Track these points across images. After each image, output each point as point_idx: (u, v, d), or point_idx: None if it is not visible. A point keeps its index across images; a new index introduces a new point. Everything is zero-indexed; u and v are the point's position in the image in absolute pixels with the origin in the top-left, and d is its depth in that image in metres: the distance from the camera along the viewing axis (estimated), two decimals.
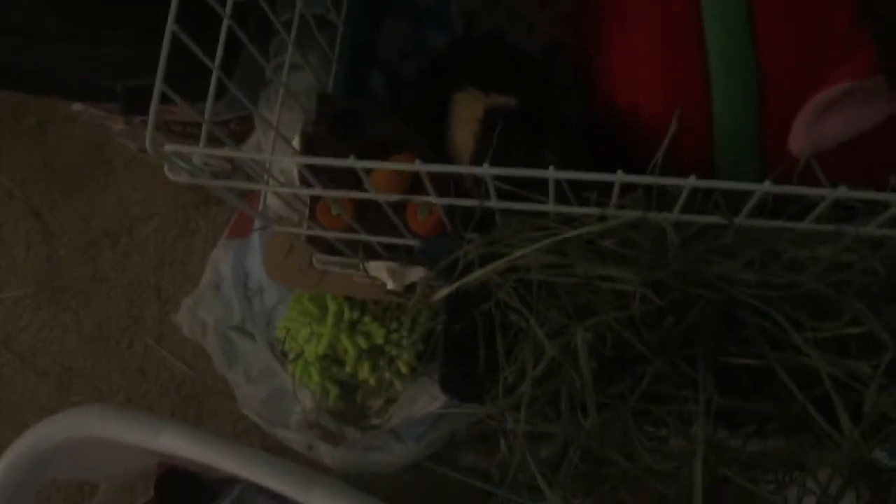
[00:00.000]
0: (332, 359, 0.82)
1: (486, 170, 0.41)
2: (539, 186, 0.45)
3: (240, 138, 0.84)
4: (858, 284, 0.44)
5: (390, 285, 0.66)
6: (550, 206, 0.45)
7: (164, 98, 0.55)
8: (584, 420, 0.45)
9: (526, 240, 0.48)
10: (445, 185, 0.56)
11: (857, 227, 0.42)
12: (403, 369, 0.80)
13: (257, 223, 0.91)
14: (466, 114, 0.61)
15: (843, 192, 0.38)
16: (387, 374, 0.80)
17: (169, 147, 0.43)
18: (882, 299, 0.44)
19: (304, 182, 0.64)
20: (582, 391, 0.45)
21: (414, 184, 0.62)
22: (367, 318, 0.79)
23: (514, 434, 0.45)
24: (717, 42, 0.56)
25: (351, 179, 0.55)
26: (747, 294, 0.45)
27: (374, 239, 0.59)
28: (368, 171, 0.61)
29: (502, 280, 0.49)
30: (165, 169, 0.46)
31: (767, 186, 0.38)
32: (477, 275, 0.48)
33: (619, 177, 0.40)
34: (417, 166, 0.43)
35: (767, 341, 0.45)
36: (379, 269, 0.65)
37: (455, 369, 0.50)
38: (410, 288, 0.65)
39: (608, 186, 0.44)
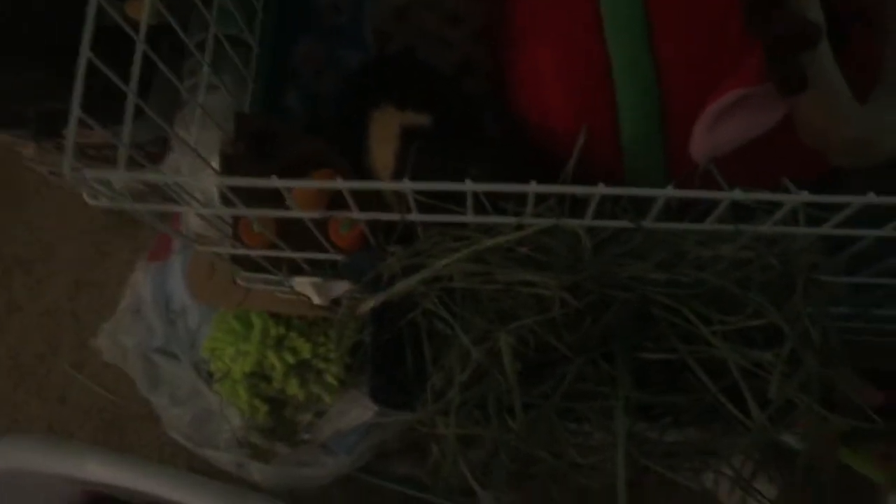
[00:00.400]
0: (259, 376, 0.82)
1: (406, 185, 0.43)
2: (459, 199, 0.47)
3: (156, 159, 0.83)
4: (759, 280, 0.47)
5: (315, 300, 0.66)
6: (469, 218, 0.47)
7: (79, 122, 0.55)
8: (512, 421, 0.46)
9: (447, 250, 0.49)
10: (367, 200, 0.57)
11: (754, 226, 0.45)
12: (332, 382, 0.80)
13: (179, 245, 0.91)
14: (384, 132, 0.62)
15: (739, 194, 0.41)
16: (315, 389, 0.80)
17: (89, 173, 0.42)
18: (781, 292, 0.47)
19: (226, 202, 0.64)
20: (508, 393, 0.47)
21: (335, 199, 0.63)
22: (293, 334, 0.80)
23: (445, 438, 0.46)
24: (619, 54, 0.58)
25: (272, 197, 0.56)
26: (658, 293, 0.47)
27: (297, 255, 0.60)
28: (290, 189, 0.62)
29: (426, 290, 0.50)
30: (85, 195, 0.46)
31: (670, 191, 0.41)
32: (402, 286, 0.50)
33: (533, 187, 0.42)
34: (339, 184, 0.44)
35: (679, 337, 0.48)
36: (304, 284, 0.66)
37: (384, 379, 0.51)
38: (336, 302, 0.66)
39: (525, 196, 0.46)
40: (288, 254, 0.60)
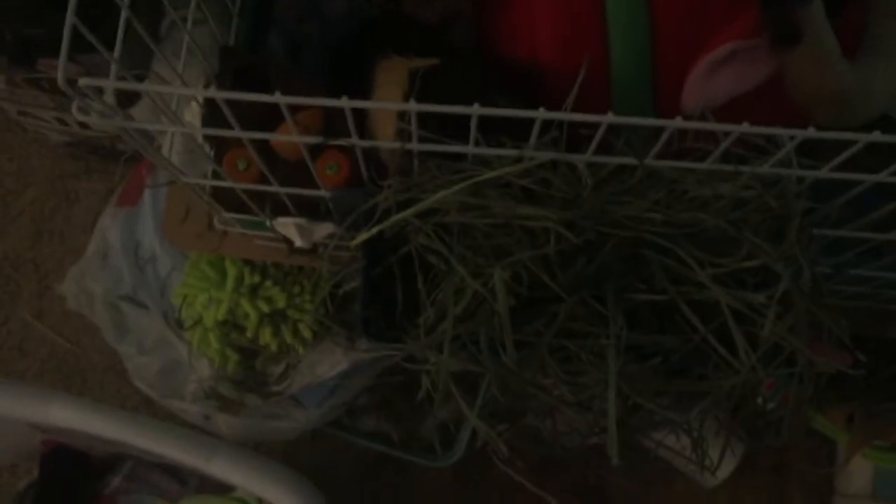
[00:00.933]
0: (231, 325, 0.80)
1: (412, 106, 0.42)
2: (460, 135, 0.46)
3: (127, 103, 0.81)
4: (754, 222, 0.47)
5: (298, 242, 0.65)
6: (470, 148, 0.46)
7: (50, 52, 0.53)
8: (504, 356, 0.46)
9: (444, 183, 0.48)
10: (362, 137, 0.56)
11: (755, 166, 0.46)
12: (306, 333, 0.79)
13: (150, 190, 0.88)
14: (391, 77, 0.61)
15: (748, 127, 0.41)
16: (289, 339, 0.79)
17: (83, 80, 0.41)
18: (772, 238, 0.47)
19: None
20: (500, 329, 0.46)
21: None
22: (268, 283, 0.78)
23: (437, 373, 0.46)
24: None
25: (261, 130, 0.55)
26: (653, 233, 0.47)
27: (285, 191, 0.59)
28: (277, 124, 0.61)
29: (421, 223, 0.49)
30: (74, 109, 0.44)
31: (678, 122, 0.41)
32: (397, 217, 0.49)
33: (541, 113, 0.41)
34: (342, 102, 0.43)
35: (670, 279, 0.48)
36: (287, 225, 0.64)
37: (375, 311, 0.51)
38: (316, 247, 0.65)
39: (524, 132, 0.46)
40: (275, 188, 0.59)
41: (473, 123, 0.44)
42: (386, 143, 0.48)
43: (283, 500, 0.71)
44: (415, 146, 0.46)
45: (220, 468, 0.73)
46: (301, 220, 0.63)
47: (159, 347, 0.86)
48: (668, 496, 0.94)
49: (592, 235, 0.47)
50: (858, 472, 0.88)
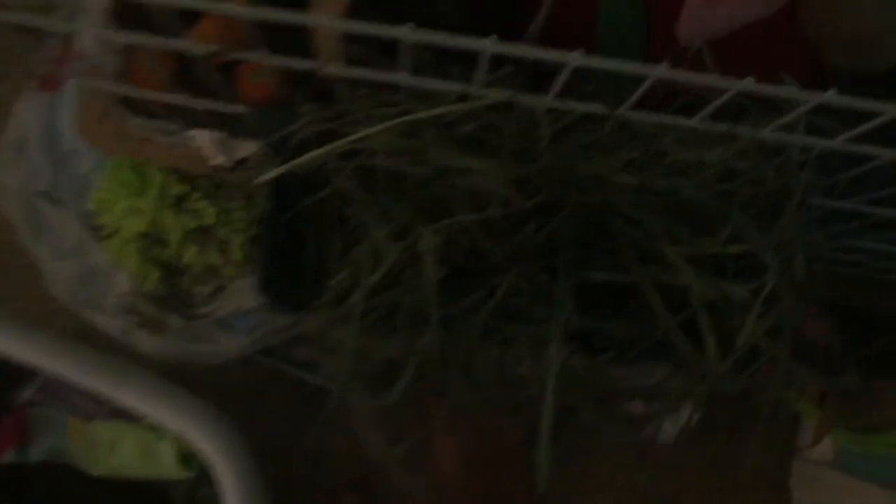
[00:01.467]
0: (154, 238, 0.72)
1: (328, 22, 0.32)
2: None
3: None
4: (744, 198, 0.38)
5: (216, 160, 0.56)
6: (403, 78, 0.37)
7: None
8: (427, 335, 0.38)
9: (373, 118, 0.39)
10: (288, 47, 0.46)
11: (753, 130, 0.36)
12: (236, 254, 0.71)
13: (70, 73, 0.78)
14: None
15: (750, 84, 0.32)
16: (216, 259, 0.71)
17: None
18: (767, 216, 0.39)
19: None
20: (425, 304, 0.38)
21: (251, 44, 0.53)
22: (196, 195, 0.69)
23: (342, 351, 0.38)
24: None
25: (174, 31, 0.46)
26: (621, 199, 0.38)
27: (193, 104, 0.50)
28: (194, 19, 0.51)
29: (341, 164, 0.40)
30: None
31: (662, 70, 0.32)
32: (311, 155, 0.40)
33: (490, 45, 0.32)
34: (250, 13, 0.33)
35: (636, 256, 0.40)
36: (204, 139, 0.55)
37: (277, 269, 0.42)
38: (242, 164, 0.56)
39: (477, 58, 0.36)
40: (184, 101, 0.50)
41: (405, 50, 0.34)
42: (299, 62, 0.39)
43: (195, 436, 0.65)
44: (335, 71, 0.37)
45: (130, 397, 0.66)
46: (220, 135, 0.54)
47: (77, 253, 0.78)
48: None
49: (547, 197, 0.38)
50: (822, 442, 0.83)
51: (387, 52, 0.41)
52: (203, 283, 0.75)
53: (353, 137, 0.39)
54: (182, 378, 0.73)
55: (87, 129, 0.69)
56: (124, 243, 0.71)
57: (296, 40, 0.51)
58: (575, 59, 0.32)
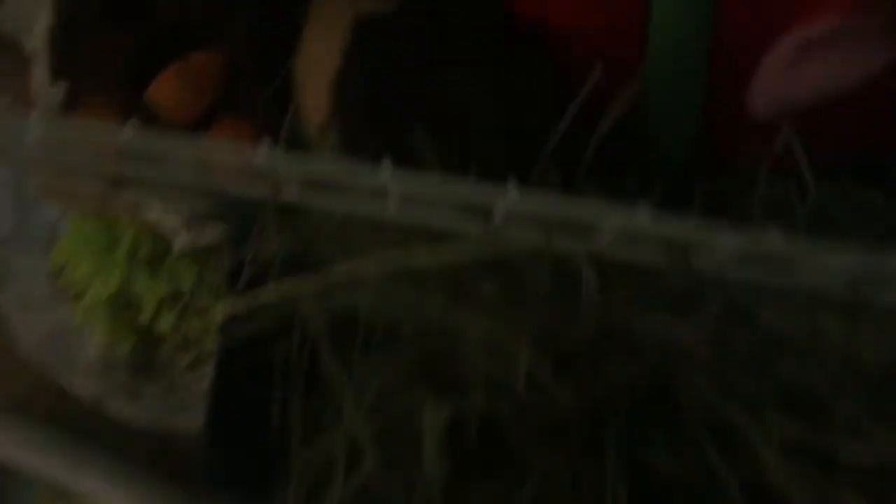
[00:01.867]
0: (125, 301, 0.62)
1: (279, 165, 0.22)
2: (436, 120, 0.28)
3: None
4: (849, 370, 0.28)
5: (180, 240, 0.46)
6: (393, 208, 0.27)
7: None
8: None
9: (358, 249, 0.29)
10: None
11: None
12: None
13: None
14: (329, 22, 0.41)
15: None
16: (196, 329, 0.61)
17: None
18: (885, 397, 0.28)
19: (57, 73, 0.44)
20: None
21: (226, 99, 0.43)
22: (172, 255, 0.60)
23: None
24: None
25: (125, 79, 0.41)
26: (695, 370, 0.28)
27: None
28: (153, 72, 0.42)
29: (315, 303, 0.30)
30: None
31: None
32: (273, 291, 0.30)
33: (506, 199, 0.21)
34: None
35: (712, 437, 0.29)
36: (163, 214, 0.45)
37: (226, 450, 0.31)
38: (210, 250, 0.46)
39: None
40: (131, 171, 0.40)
41: (391, 179, 0.24)
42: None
43: None
44: (293, 200, 0.26)
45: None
46: (184, 212, 0.44)
47: (47, 306, 0.69)
48: None
49: (587, 368, 0.28)
50: None
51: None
52: (182, 351, 0.66)
53: (330, 276, 0.29)
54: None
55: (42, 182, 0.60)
56: (92, 306, 0.62)
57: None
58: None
